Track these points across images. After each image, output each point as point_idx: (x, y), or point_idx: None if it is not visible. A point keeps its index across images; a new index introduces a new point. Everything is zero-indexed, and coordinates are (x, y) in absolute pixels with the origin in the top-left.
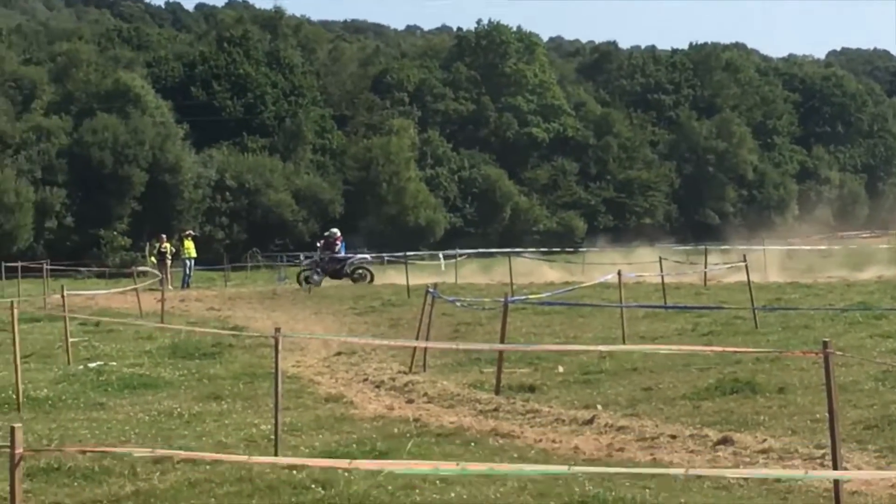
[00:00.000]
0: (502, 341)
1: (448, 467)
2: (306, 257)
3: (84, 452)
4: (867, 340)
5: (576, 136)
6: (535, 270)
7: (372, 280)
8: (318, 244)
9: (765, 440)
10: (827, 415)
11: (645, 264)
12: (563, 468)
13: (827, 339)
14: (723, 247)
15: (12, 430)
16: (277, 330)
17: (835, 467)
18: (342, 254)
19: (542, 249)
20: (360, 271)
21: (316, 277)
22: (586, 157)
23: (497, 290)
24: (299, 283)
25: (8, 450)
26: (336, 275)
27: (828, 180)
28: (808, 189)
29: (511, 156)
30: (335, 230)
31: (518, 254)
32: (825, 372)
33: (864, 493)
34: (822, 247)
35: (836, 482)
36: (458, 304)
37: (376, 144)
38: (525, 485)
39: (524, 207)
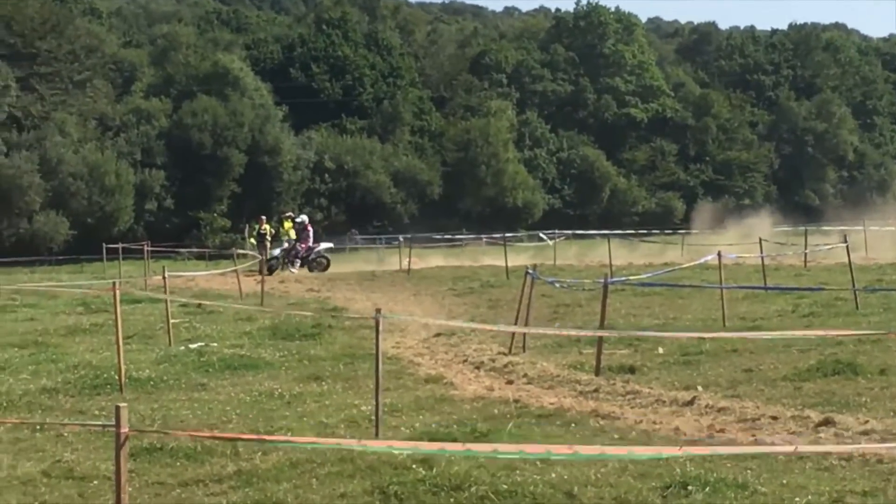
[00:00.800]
0: (602, 323)
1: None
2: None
3: (189, 435)
4: None
5: (674, 116)
6: (634, 251)
7: (327, 267)
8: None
9: (867, 421)
10: None
11: (744, 245)
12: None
13: None
14: (823, 228)
15: (117, 409)
16: (378, 311)
17: None
18: (312, 241)
19: (641, 231)
20: (320, 259)
21: (293, 268)
22: (685, 137)
23: (596, 271)
24: (260, 272)
25: (113, 430)
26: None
27: None
28: None
29: (609, 137)
30: (305, 217)
31: (618, 235)
32: None
33: None
34: None
35: None
36: (557, 285)
37: (475, 126)
38: (626, 466)
39: (623, 188)
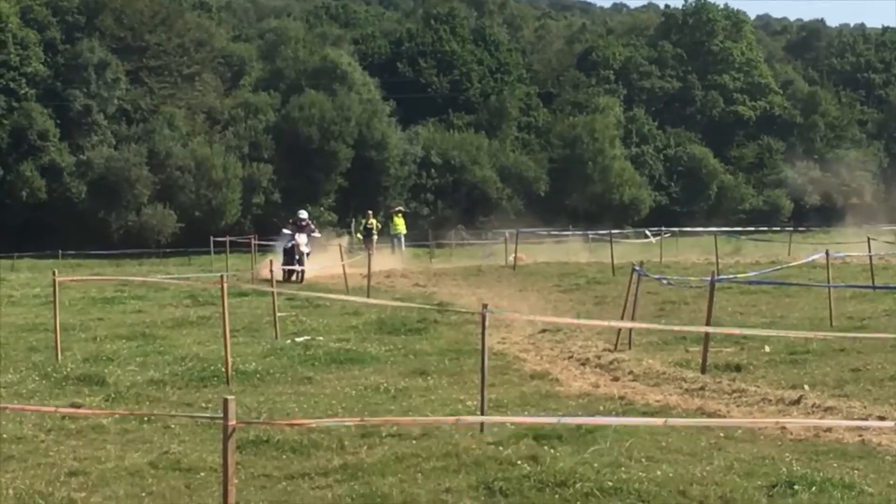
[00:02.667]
0: (709, 321)
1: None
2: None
3: (292, 426)
4: None
5: (783, 114)
6: (741, 249)
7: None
8: (288, 230)
9: None
10: None
11: (852, 244)
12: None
13: None
14: None
15: (225, 402)
16: (484, 306)
17: None
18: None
19: (749, 228)
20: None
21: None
22: (793, 135)
23: (702, 268)
24: (290, 277)
25: (220, 422)
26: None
27: None
28: None
29: (717, 134)
30: (305, 213)
31: (725, 233)
32: None
33: None
34: None
35: None
36: (664, 282)
37: (581, 122)
38: (731, 464)
39: (730, 186)
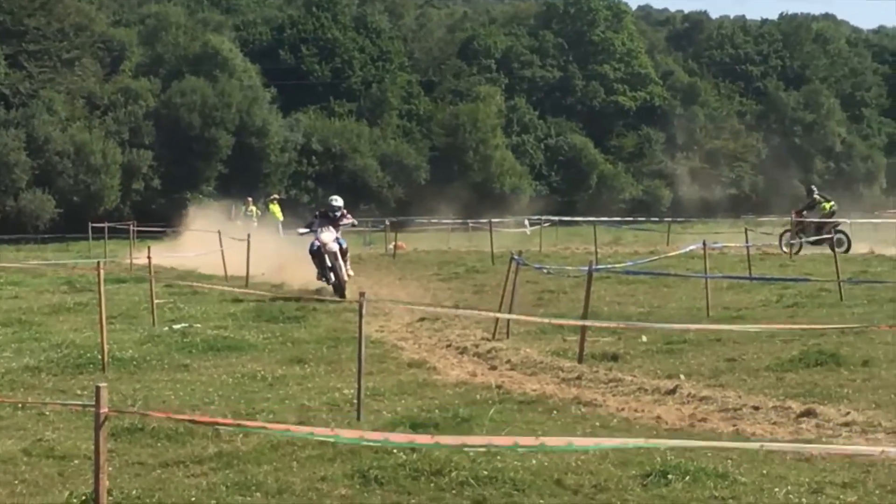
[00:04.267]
0: (586, 310)
1: (527, 443)
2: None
3: (169, 418)
4: None
5: (663, 105)
6: (620, 239)
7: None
8: (304, 228)
9: (848, 413)
10: None
11: (730, 234)
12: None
13: None
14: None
15: (97, 389)
16: (362, 295)
17: None
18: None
19: (628, 218)
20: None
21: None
22: (672, 126)
23: (581, 258)
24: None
25: (93, 409)
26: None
27: None
28: None
29: (597, 124)
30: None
31: (605, 223)
32: None
33: None
34: None
35: None
36: (543, 271)
37: (463, 111)
38: (606, 454)
39: (610, 176)
